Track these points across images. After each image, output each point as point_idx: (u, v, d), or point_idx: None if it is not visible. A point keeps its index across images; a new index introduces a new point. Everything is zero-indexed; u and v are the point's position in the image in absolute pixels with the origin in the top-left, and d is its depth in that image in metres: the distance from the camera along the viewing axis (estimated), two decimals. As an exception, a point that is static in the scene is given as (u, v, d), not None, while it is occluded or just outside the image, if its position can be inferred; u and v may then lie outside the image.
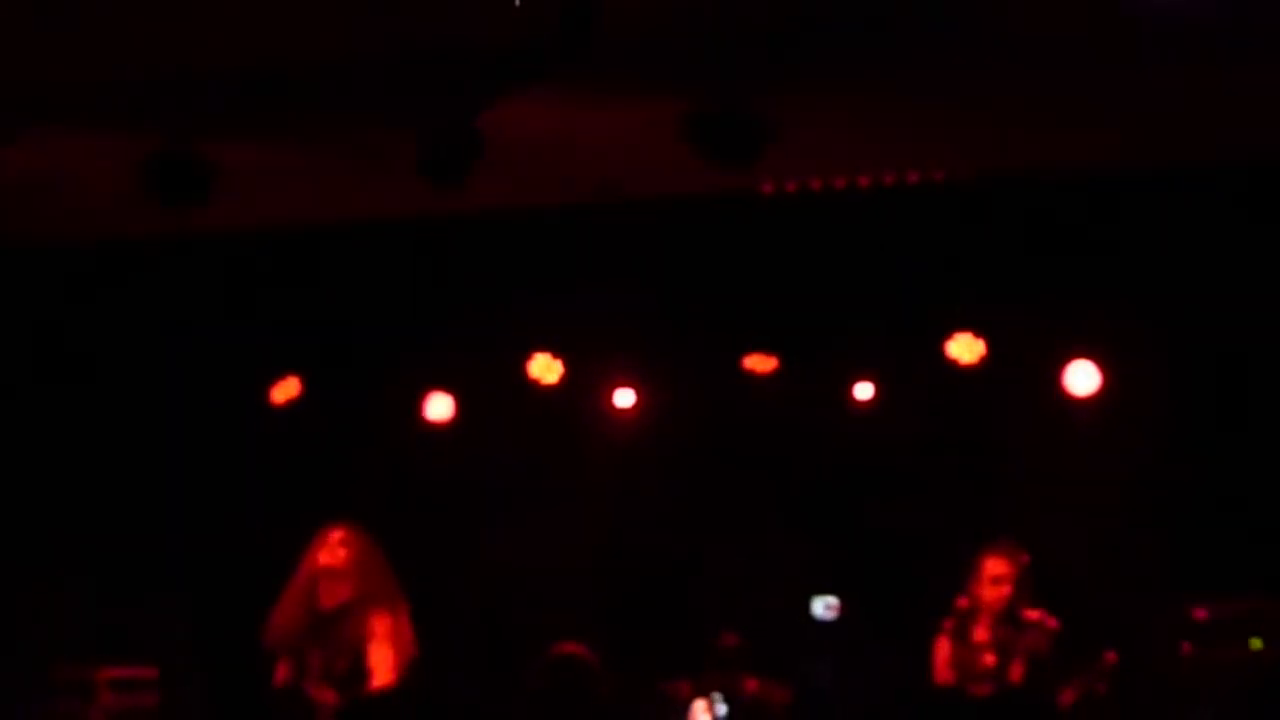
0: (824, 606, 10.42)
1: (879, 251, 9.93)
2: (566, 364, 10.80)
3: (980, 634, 8.30)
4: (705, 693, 9.82)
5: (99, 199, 8.83)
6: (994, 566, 8.30)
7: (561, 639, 7.89)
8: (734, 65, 7.67)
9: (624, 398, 10.98)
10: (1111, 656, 8.17)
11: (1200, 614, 9.29)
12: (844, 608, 10.43)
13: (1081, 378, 10.18)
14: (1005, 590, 8.26)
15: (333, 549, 7.91)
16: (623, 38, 7.37)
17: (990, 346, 10.20)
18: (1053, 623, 8.24)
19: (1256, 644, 9.29)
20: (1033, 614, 8.28)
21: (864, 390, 10.67)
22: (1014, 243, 9.77)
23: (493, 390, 10.90)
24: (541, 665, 7.46)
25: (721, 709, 9.73)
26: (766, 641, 10.07)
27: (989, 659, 8.23)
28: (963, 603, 8.34)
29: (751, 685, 9.89)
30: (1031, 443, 10.13)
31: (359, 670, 7.68)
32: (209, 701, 9.98)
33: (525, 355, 10.78)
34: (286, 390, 10.84)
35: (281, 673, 7.77)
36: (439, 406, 11.01)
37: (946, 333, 10.22)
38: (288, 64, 7.70)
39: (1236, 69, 7.73)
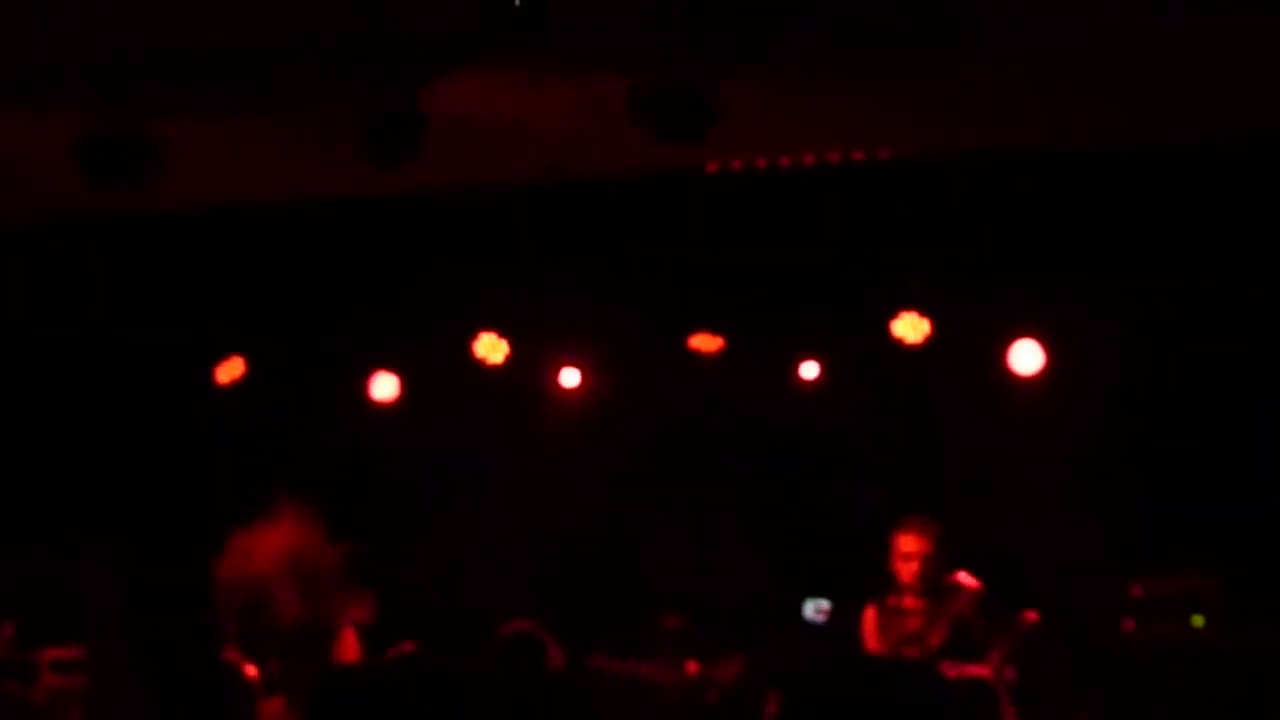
0: (814, 610, 10.41)
1: (825, 230, 9.93)
2: (512, 343, 10.77)
3: (904, 602, 8.61)
4: (654, 673, 9.84)
5: (42, 179, 8.76)
6: (905, 544, 8.60)
7: (509, 618, 7.89)
8: (680, 43, 7.66)
9: (570, 377, 10.96)
10: (1031, 615, 8.40)
11: (1138, 591, 9.36)
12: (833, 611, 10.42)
13: (1026, 357, 10.22)
14: (914, 566, 8.56)
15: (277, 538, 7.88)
16: (569, 15, 7.35)
17: (935, 326, 10.22)
18: (973, 584, 8.48)
19: (1198, 621, 9.36)
20: (950, 577, 8.54)
21: (810, 369, 10.69)
22: (959, 222, 9.78)
23: (438, 370, 10.87)
24: (494, 643, 7.47)
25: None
26: (714, 621, 10.09)
27: (912, 624, 8.49)
28: (887, 576, 8.63)
29: (692, 668, 9.91)
30: (976, 421, 10.17)
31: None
32: (141, 680, 9.92)
33: (471, 335, 10.75)
34: (231, 370, 10.79)
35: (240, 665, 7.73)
36: (384, 386, 10.97)
37: (892, 312, 10.24)
38: (233, 43, 7.66)
39: (1184, 48, 7.77)
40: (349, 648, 8.30)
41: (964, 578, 8.56)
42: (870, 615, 8.71)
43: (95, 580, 10.30)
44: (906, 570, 8.58)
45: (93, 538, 10.31)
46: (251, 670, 7.65)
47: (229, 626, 7.94)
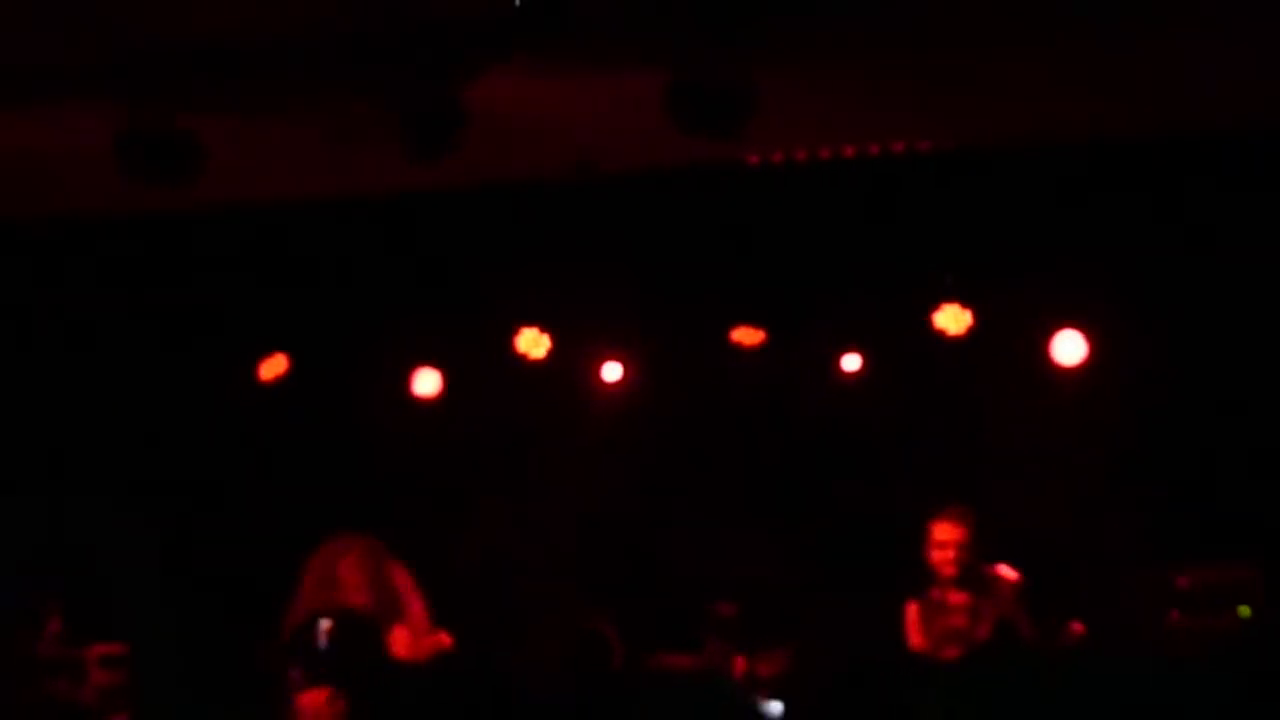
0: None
1: (865, 222, 9.91)
2: (554, 338, 10.78)
3: (947, 597, 8.53)
4: (707, 665, 9.84)
5: (81, 175, 8.81)
6: (940, 532, 8.54)
7: (573, 614, 7.90)
8: (716, 36, 7.65)
9: (612, 371, 10.97)
10: (1078, 628, 8.34)
11: (1183, 582, 9.30)
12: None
13: (1068, 348, 10.18)
14: (950, 554, 8.50)
15: (348, 574, 7.92)
16: (603, 9, 7.35)
17: (977, 317, 10.18)
18: (1014, 576, 8.43)
19: (1245, 612, 9.29)
20: (991, 570, 8.49)
21: (851, 362, 10.66)
22: (1001, 213, 9.74)
23: (481, 365, 10.89)
24: (564, 639, 7.48)
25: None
26: (761, 611, 10.08)
27: (957, 620, 8.41)
28: (926, 569, 8.57)
29: (741, 664, 9.90)
30: (1018, 413, 10.13)
31: None
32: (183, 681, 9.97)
33: (512, 330, 10.76)
34: (274, 367, 10.83)
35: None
36: (427, 382, 11.00)
37: (934, 304, 10.21)
38: (269, 40, 7.68)
39: (1221, 38, 7.72)
40: (400, 643, 8.32)
41: (1004, 570, 8.52)
42: (913, 611, 8.64)
43: (139, 576, 10.35)
44: (943, 559, 8.52)
45: (137, 534, 10.36)
46: (294, 670, 7.68)
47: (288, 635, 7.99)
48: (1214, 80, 8.19)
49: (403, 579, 8.31)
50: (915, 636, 8.60)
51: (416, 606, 8.29)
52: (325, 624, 7.72)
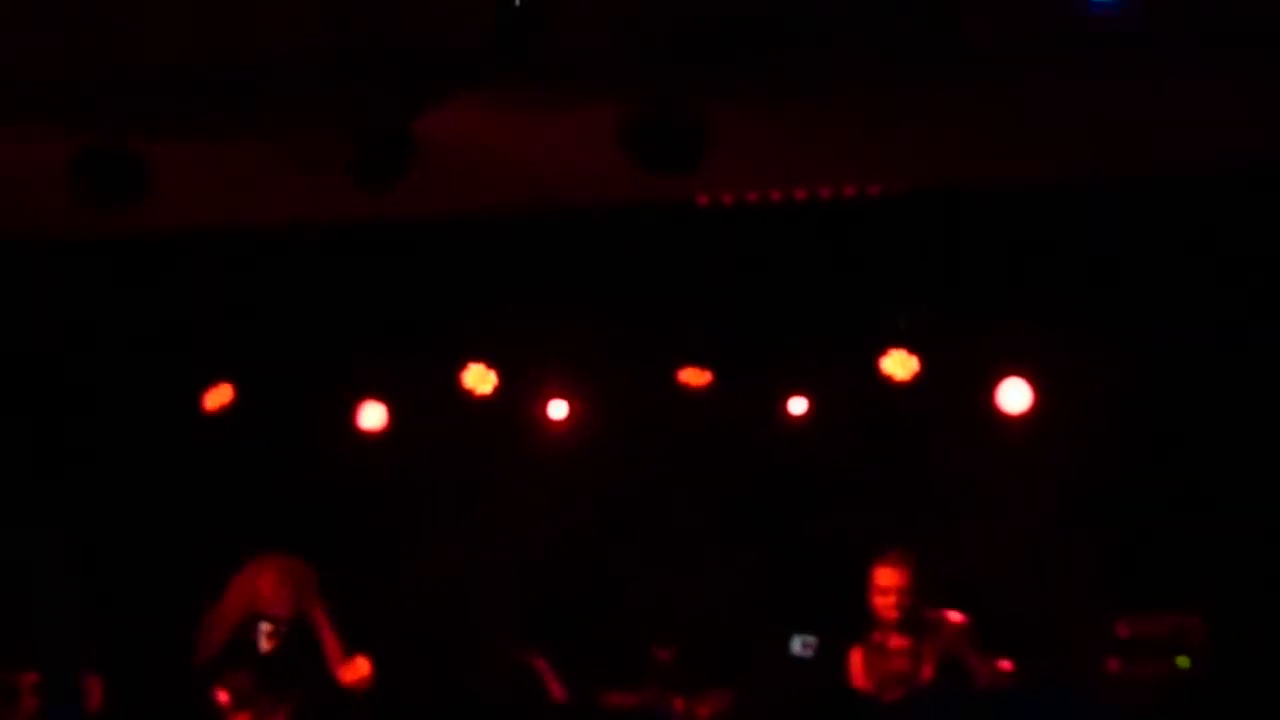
0: (801, 645, 10.36)
1: (815, 265, 9.94)
2: (501, 375, 10.77)
3: (888, 641, 8.55)
4: (647, 706, 9.81)
5: (28, 199, 8.76)
6: (882, 578, 8.56)
7: (502, 648, 7.86)
8: (671, 75, 7.68)
9: (558, 409, 10.96)
10: (1007, 665, 8.38)
11: (1123, 630, 9.33)
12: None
13: (1014, 395, 10.22)
14: (891, 600, 8.52)
15: (269, 589, 7.85)
16: (560, 45, 7.36)
17: (924, 363, 10.22)
18: (958, 618, 8.42)
19: (1184, 662, 9.32)
20: (934, 614, 8.51)
21: (798, 405, 10.68)
22: (949, 258, 9.79)
23: (427, 400, 10.86)
24: (498, 672, 7.43)
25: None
26: (701, 652, 10.06)
27: (899, 664, 8.44)
28: (869, 613, 8.59)
29: (679, 704, 9.88)
30: (963, 459, 10.16)
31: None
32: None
33: (459, 365, 10.74)
34: (219, 397, 10.77)
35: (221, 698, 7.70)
36: (372, 415, 10.96)
37: (881, 348, 10.24)
38: (224, 64, 7.66)
39: (1168, 82, 7.78)
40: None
41: (951, 614, 8.52)
42: (857, 657, 8.68)
43: (59, 604, 10.24)
44: (884, 604, 8.54)
45: (70, 561, 10.27)
46: (222, 694, 7.61)
47: (209, 654, 7.90)
48: (1160, 127, 8.25)
49: (316, 603, 8.21)
50: (859, 680, 8.64)
51: (329, 631, 8.19)
52: (266, 626, 7.63)
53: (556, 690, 7.81)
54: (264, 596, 7.95)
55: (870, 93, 8.02)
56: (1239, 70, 7.71)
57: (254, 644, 7.65)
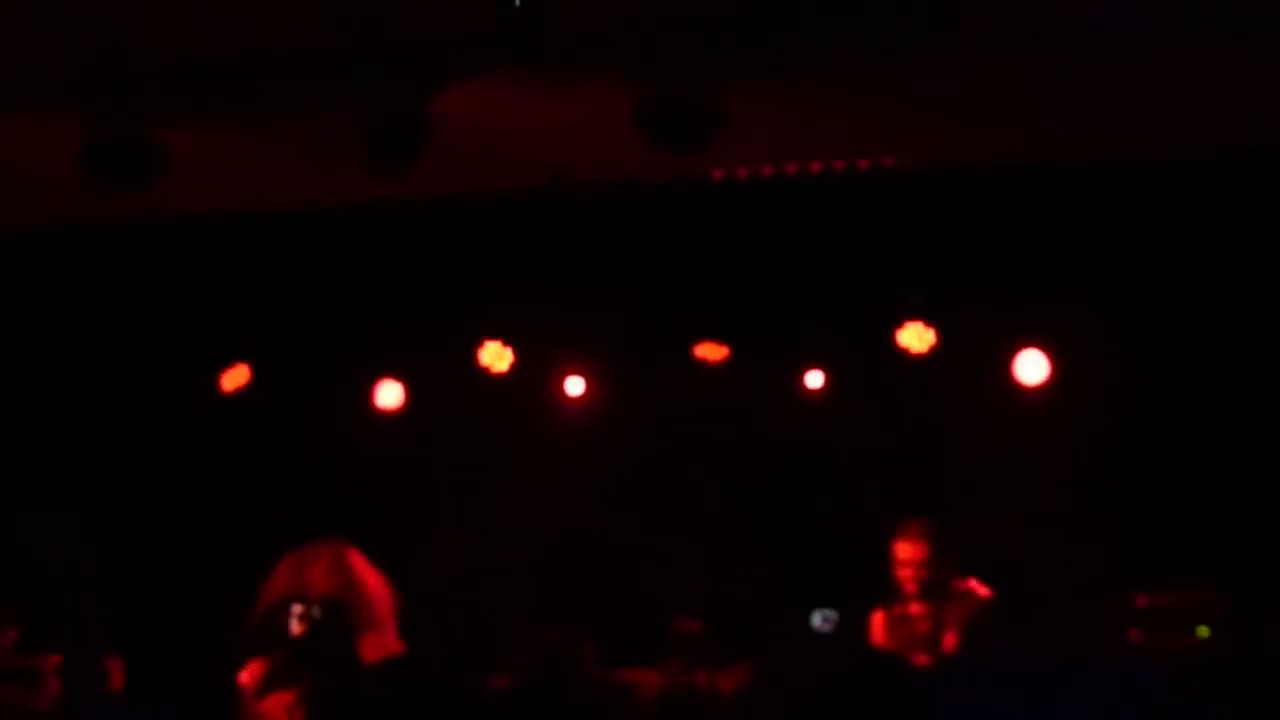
0: (822, 619, 10.36)
1: (830, 239, 9.94)
2: (517, 352, 10.77)
3: (909, 609, 8.60)
4: (668, 680, 9.82)
5: (45, 184, 8.77)
6: (902, 550, 8.61)
7: (525, 626, 7.83)
8: (684, 52, 7.67)
9: (575, 386, 10.96)
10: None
11: (1143, 601, 9.34)
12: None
13: (1031, 367, 10.21)
14: (910, 572, 8.57)
15: (318, 579, 7.85)
16: (574, 24, 7.36)
17: (940, 336, 10.21)
18: (983, 591, 8.44)
19: (1204, 632, 9.32)
20: (961, 584, 8.54)
21: (815, 379, 10.67)
22: (966, 231, 9.78)
23: (443, 378, 10.87)
24: (530, 651, 7.42)
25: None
26: (724, 626, 10.07)
27: (921, 627, 8.49)
28: (893, 585, 8.66)
29: (701, 679, 9.88)
30: (980, 431, 10.15)
31: None
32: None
33: (476, 343, 10.74)
34: (236, 378, 10.79)
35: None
36: (389, 394, 10.97)
37: (897, 322, 10.23)
38: (238, 49, 7.66)
39: (1180, 62, 7.77)
40: (369, 651, 8.23)
41: (974, 584, 8.54)
42: (878, 620, 8.72)
43: (84, 586, 10.25)
44: (906, 577, 8.59)
45: (89, 543, 10.28)
46: (246, 677, 7.60)
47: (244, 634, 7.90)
48: (1179, 105, 8.23)
49: (377, 586, 8.21)
50: (880, 644, 8.61)
51: (388, 618, 8.19)
52: (298, 608, 7.61)
53: (584, 667, 7.80)
54: (311, 582, 7.93)
55: (885, 67, 8.01)
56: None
57: (286, 627, 7.63)
